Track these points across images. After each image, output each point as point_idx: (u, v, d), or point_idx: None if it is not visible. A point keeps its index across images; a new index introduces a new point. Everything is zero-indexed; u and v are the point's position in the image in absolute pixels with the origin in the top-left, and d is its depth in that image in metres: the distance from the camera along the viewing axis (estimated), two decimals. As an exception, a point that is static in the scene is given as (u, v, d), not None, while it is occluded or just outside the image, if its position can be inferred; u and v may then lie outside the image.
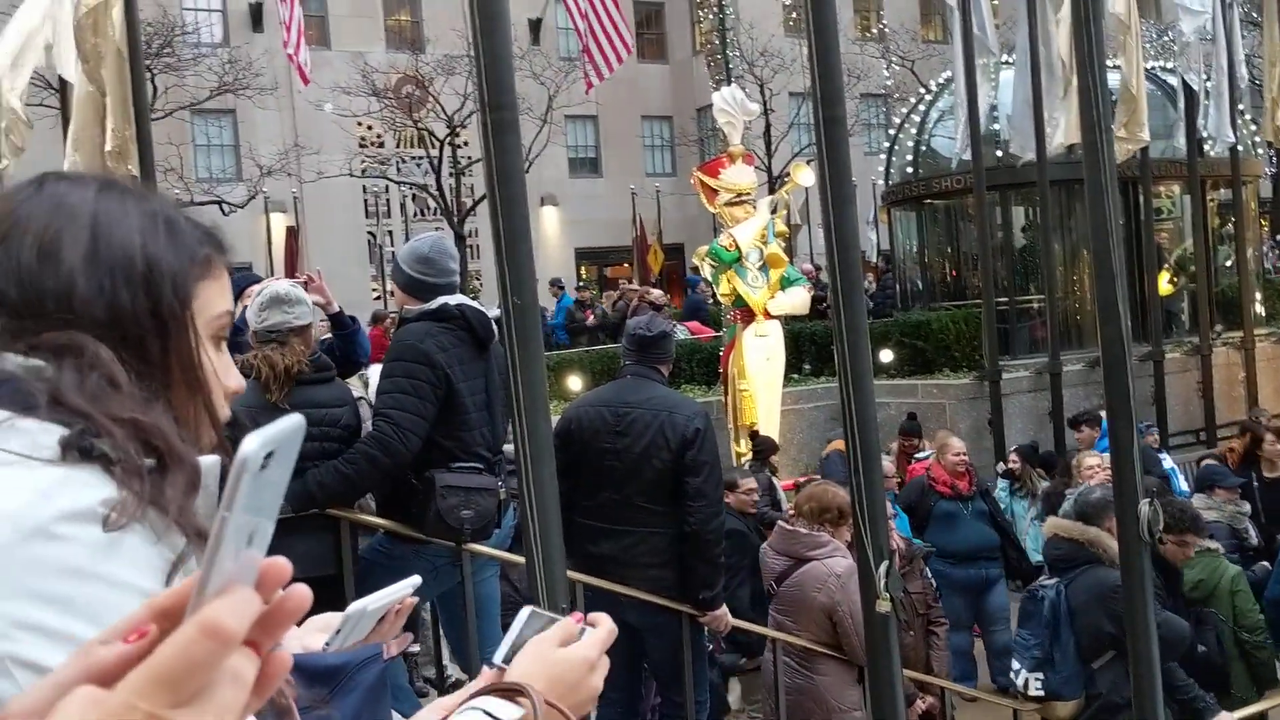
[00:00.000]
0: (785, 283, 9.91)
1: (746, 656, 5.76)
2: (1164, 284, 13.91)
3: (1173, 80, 13.67)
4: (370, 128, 26.02)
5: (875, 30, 29.95)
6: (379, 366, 4.75)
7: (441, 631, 5.05)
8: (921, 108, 15.43)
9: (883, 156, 16.81)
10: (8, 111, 6.33)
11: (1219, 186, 14.69)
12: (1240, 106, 13.04)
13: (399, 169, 26.20)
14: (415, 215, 26.81)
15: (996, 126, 13.53)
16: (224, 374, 1.07)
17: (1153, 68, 14.31)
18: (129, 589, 0.82)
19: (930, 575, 6.58)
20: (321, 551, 4.30)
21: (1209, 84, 12.90)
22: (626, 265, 28.03)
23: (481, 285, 23.90)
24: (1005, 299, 12.72)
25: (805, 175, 9.88)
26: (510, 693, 1.14)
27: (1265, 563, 7.00)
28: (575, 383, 12.26)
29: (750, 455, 9.67)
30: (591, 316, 18.19)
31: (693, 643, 4.81)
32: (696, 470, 4.64)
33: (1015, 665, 5.35)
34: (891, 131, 16.98)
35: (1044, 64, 11.12)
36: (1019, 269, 13.91)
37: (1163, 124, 13.75)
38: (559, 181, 29.26)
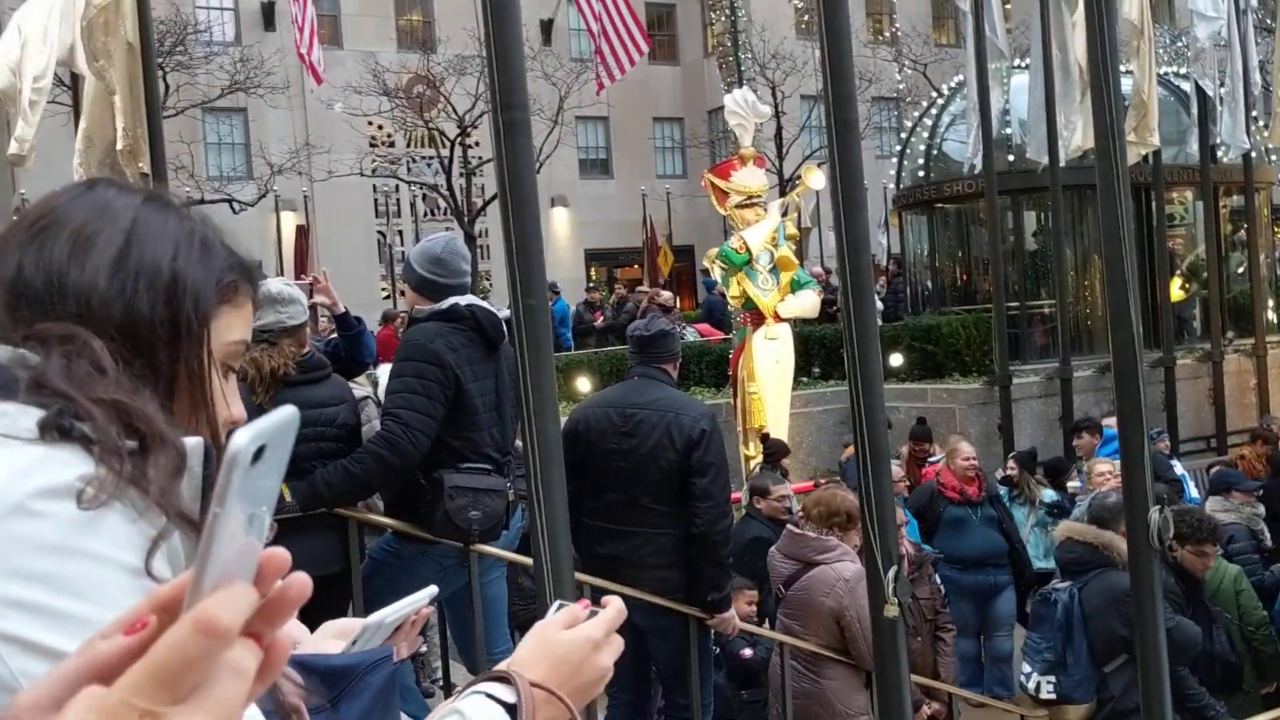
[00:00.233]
0: (795, 286, 9.90)
1: (746, 688, 5.61)
2: (1176, 290, 13.87)
3: (1186, 86, 13.63)
4: (381, 127, 26.06)
5: (888, 33, 29.90)
6: (389, 366, 4.75)
7: (448, 632, 5.05)
8: (934, 111, 15.40)
9: (894, 160, 16.78)
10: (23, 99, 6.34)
11: (1231, 193, 14.64)
12: (1254, 113, 12.98)
13: (409, 169, 26.23)
14: (425, 215, 26.83)
15: (1009, 130, 13.51)
16: (229, 400, 1.08)
17: (1166, 73, 14.27)
18: (110, 563, 0.82)
19: (939, 581, 6.55)
20: (328, 550, 4.30)
21: (1223, 90, 12.86)
22: (636, 267, 28.03)
23: (491, 285, 23.91)
24: (1016, 304, 12.69)
25: (816, 178, 9.87)
26: (506, 679, 1.14)
27: None
28: (584, 384, 12.26)
29: (759, 458, 9.67)
30: (601, 318, 18.20)
31: (698, 645, 4.80)
32: (703, 471, 4.64)
33: (1026, 668, 5.34)
34: (903, 135, 16.96)
35: (1060, 67, 11.09)
36: (1030, 274, 13.88)
37: (1176, 130, 13.71)
38: (570, 182, 29.28)
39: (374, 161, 25.87)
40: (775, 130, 23.51)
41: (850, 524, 4.97)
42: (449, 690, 5.22)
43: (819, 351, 13.90)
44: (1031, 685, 5.21)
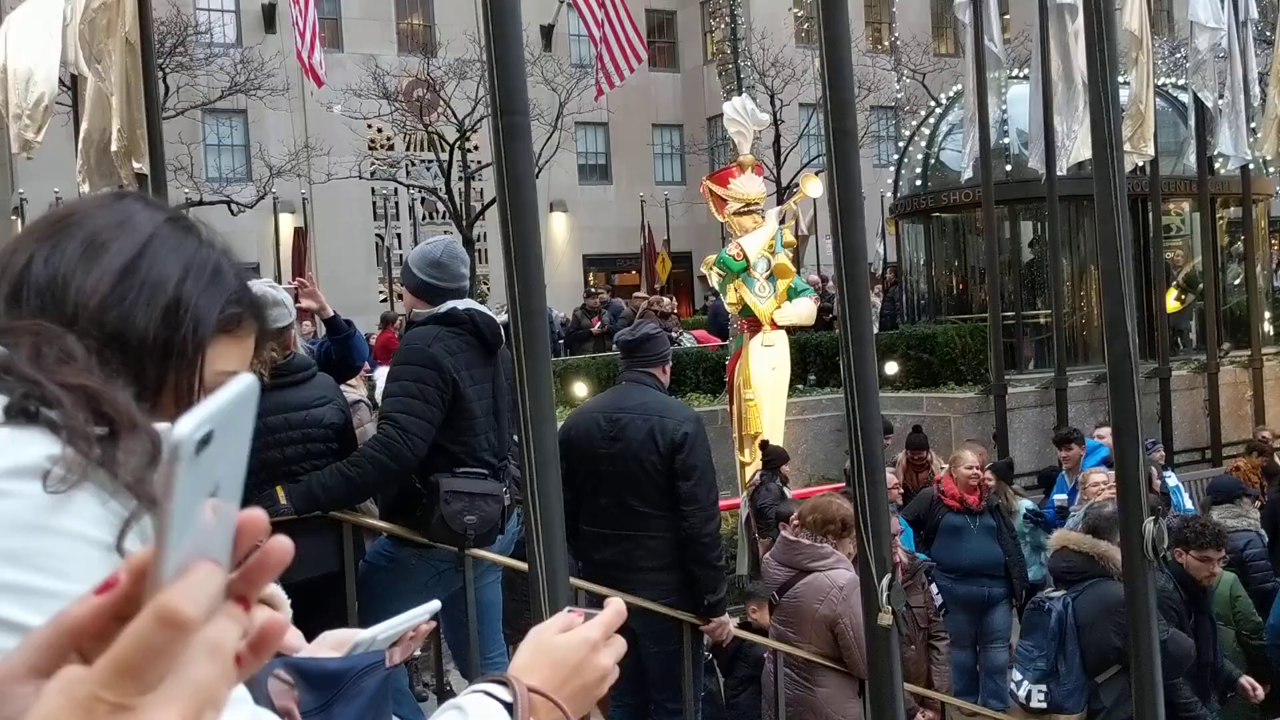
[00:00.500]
0: (792, 293, 9.90)
1: None
2: (1172, 301, 13.89)
3: (1184, 98, 13.66)
4: (381, 130, 26.09)
5: (887, 42, 29.97)
6: (386, 369, 4.74)
7: (442, 636, 5.05)
8: (931, 121, 15.43)
9: (892, 169, 16.81)
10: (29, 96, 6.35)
11: (1229, 205, 14.67)
12: (1253, 124, 13.02)
13: (409, 172, 26.25)
14: (424, 219, 26.85)
15: (1007, 140, 13.53)
16: None
17: (1164, 85, 14.30)
18: (82, 539, 0.82)
19: (935, 590, 6.54)
20: (325, 551, 4.29)
21: (1222, 102, 12.89)
22: (635, 272, 28.06)
23: (489, 290, 23.92)
24: (1012, 313, 12.71)
25: (814, 186, 9.88)
26: (505, 682, 1.15)
27: None
28: (581, 389, 12.26)
29: (755, 464, 9.67)
30: (599, 323, 18.21)
31: (691, 650, 4.79)
32: (687, 475, 4.65)
33: (1017, 676, 5.33)
34: (901, 144, 16.99)
35: (1062, 77, 11.10)
36: (1026, 283, 13.90)
37: (1173, 141, 13.74)
38: (569, 188, 29.31)
39: (373, 164, 25.90)
40: (774, 138, 23.54)
41: (845, 531, 4.97)
42: (442, 694, 5.22)
43: (815, 359, 13.92)
44: (1022, 694, 5.20)
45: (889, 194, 17.56)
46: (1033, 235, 14.45)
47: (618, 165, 31.36)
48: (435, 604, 1.54)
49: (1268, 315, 14.64)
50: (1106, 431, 8.45)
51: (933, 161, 14.90)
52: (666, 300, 18.47)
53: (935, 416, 11.80)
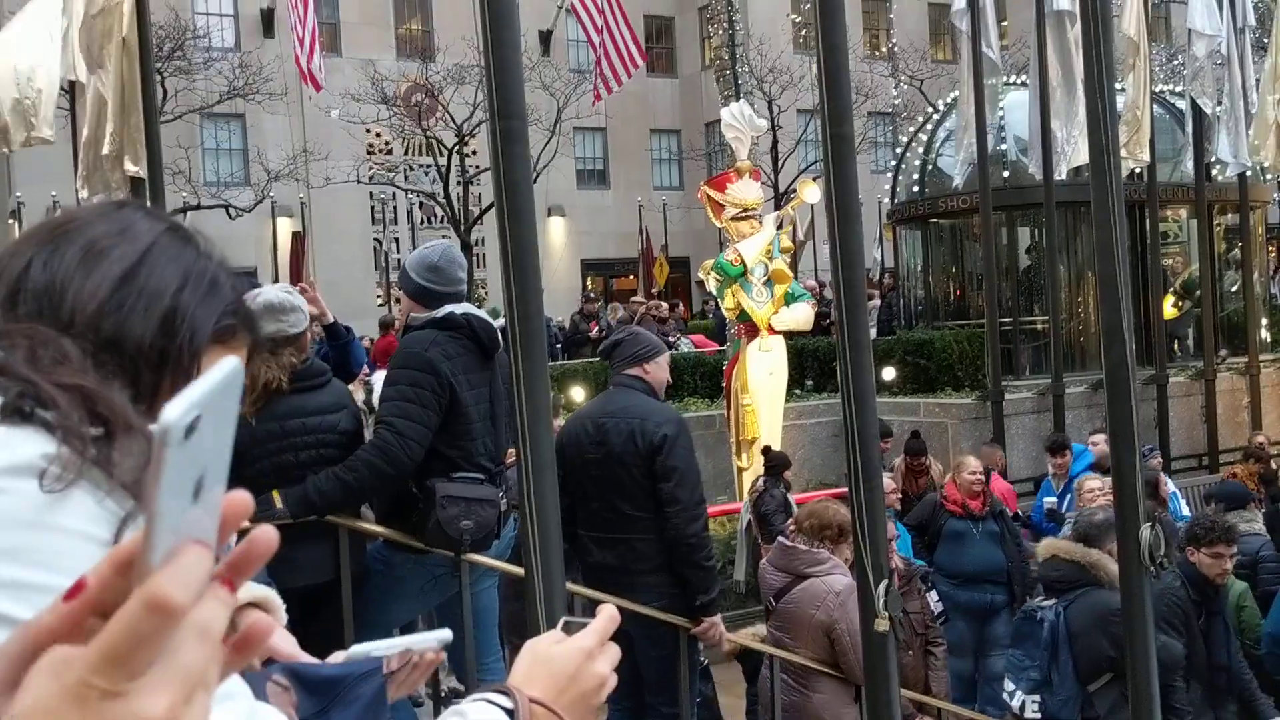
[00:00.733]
0: (790, 298, 9.92)
1: None
2: (1169, 308, 13.90)
3: (1181, 104, 13.68)
4: (379, 135, 26.09)
5: (885, 49, 30.02)
6: (383, 374, 4.74)
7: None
8: (929, 127, 15.45)
9: (889, 175, 16.83)
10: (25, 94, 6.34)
11: (1226, 211, 14.69)
12: (1249, 132, 13.04)
13: (407, 176, 26.26)
14: (422, 223, 26.86)
15: (1004, 146, 13.55)
16: None
17: (1161, 91, 14.33)
18: (80, 535, 0.82)
19: (935, 598, 6.53)
20: (321, 559, 4.28)
21: (1220, 109, 12.91)
22: (632, 277, 28.06)
23: (486, 294, 23.92)
24: (1009, 319, 12.72)
25: (811, 192, 9.89)
26: (506, 691, 1.16)
27: None
28: (578, 394, 12.26)
29: (751, 468, 9.67)
30: (596, 328, 18.22)
31: (687, 653, 4.78)
32: (666, 476, 4.65)
33: (1010, 686, 5.32)
34: (898, 150, 17.01)
35: (1062, 83, 11.12)
36: (1023, 290, 13.91)
37: (1170, 148, 13.76)
38: (567, 192, 29.33)
39: (371, 169, 25.90)
40: (771, 143, 23.57)
41: (842, 537, 4.97)
42: (438, 699, 5.21)
43: (812, 364, 13.92)
44: (1016, 704, 5.19)
45: (886, 200, 17.57)
46: (1030, 241, 14.46)
47: (616, 170, 31.39)
48: (446, 633, 1.53)
49: (1265, 322, 14.66)
50: (1101, 438, 8.48)
51: (930, 168, 14.92)
52: (665, 306, 18.47)
53: (932, 422, 11.80)
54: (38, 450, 0.83)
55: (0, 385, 0.87)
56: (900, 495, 8.25)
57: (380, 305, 24.14)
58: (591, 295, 21.54)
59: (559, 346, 17.17)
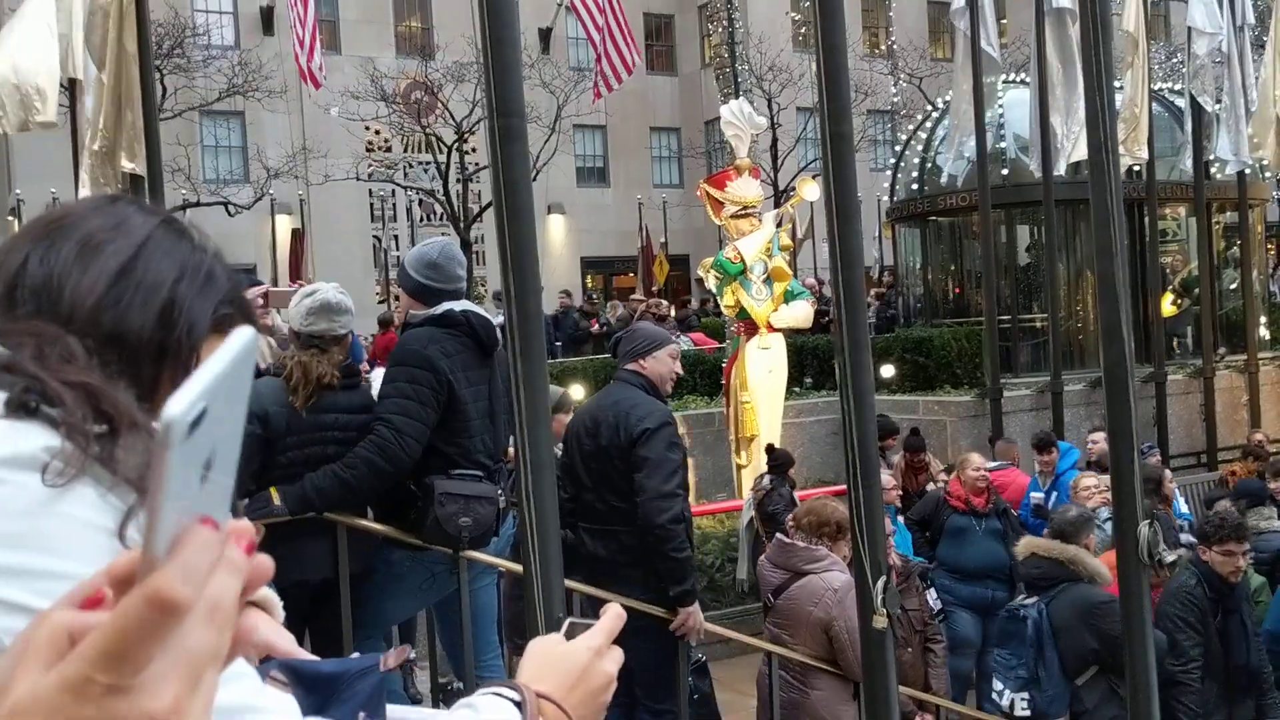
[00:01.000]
0: (789, 296, 9.91)
1: None
2: (1168, 306, 13.91)
3: (1180, 102, 13.68)
4: (378, 132, 26.07)
5: (884, 47, 30.01)
6: (381, 371, 4.75)
7: (437, 638, 5.05)
8: (928, 125, 15.45)
9: (888, 173, 16.82)
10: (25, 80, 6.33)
11: (1225, 209, 14.69)
12: (1250, 129, 13.04)
13: (406, 174, 26.24)
14: (421, 221, 26.83)
15: (1003, 144, 13.55)
16: None
17: (1160, 89, 14.32)
18: (84, 523, 0.82)
19: (935, 595, 6.53)
20: (320, 556, 4.28)
21: (1220, 107, 12.91)
22: (632, 275, 28.05)
23: (486, 291, 23.90)
24: (1008, 317, 12.72)
25: (811, 190, 9.89)
26: (513, 687, 1.17)
27: None
28: (577, 391, 12.26)
29: (750, 466, 9.68)
30: (596, 325, 18.25)
31: (672, 648, 4.75)
32: (638, 466, 4.66)
33: (998, 686, 5.33)
34: (897, 148, 17.01)
35: (1063, 79, 11.11)
36: (1022, 287, 13.91)
37: (1170, 146, 13.76)
38: (567, 190, 29.32)
39: (371, 167, 25.88)
40: (771, 141, 23.55)
41: (840, 534, 4.98)
42: (436, 696, 5.22)
43: (812, 362, 13.92)
44: (1005, 703, 5.21)
45: (885, 198, 17.57)
46: (1029, 239, 14.46)
47: (615, 168, 31.37)
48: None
49: (1263, 320, 14.66)
50: (1101, 436, 8.49)
51: (929, 165, 14.91)
52: (665, 303, 18.47)
53: (931, 420, 11.80)
54: (40, 443, 0.84)
55: (6, 381, 0.88)
56: (901, 492, 8.26)
57: (379, 302, 24.12)
58: (590, 295, 21.49)
59: (559, 345, 17.16)
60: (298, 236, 22.64)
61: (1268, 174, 14.70)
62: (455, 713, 1.13)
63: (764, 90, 22.94)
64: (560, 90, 22.89)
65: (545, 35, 27.84)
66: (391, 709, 1.49)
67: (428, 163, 24.69)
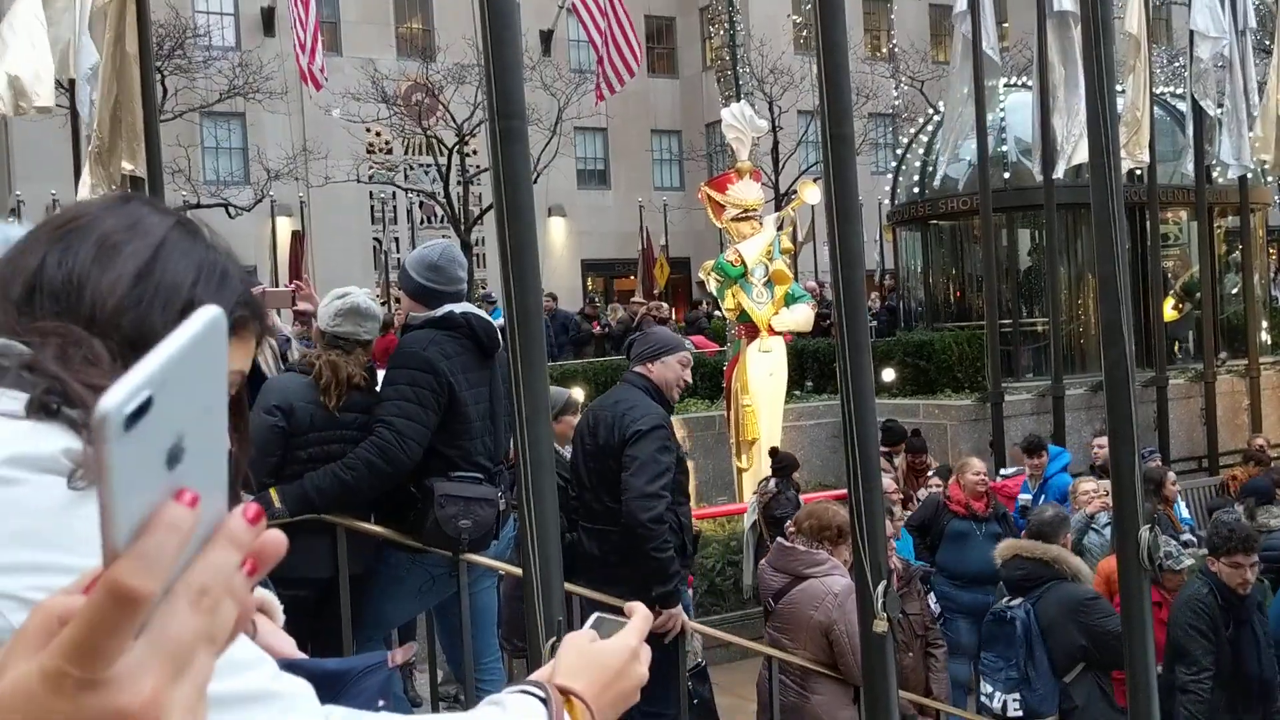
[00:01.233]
0: (790, 299, 9.91)
1: None
2: (1169, 310, 13.90)
3: (1182, 106, 13.67)
4: (379, 134, 26.07)
5: (885, 50, 30.01)
6: (382, 373, 4.75)
7: (437, 641, 5.04)
8: (929, 128, 15.44)
9: (890, 176, 16.82)
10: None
11: (1226, 214, 14.68)
12: (1252, 133, 13.04)
13: (407, 176, 26.23)
14: (422, 222, 26.84)
15: (1005, 148, 13.54)
16: None
17: (1162, 94, 14.32)
18: None
19: (934, 599, 6.52)
20: (320, 555, 4.27)
21: (1221, 111, 12.91)
22: (632, 277, 28.06)
23: (495, 294, 23.88)
24: (1009, 321, 12.71)
25: (811, 193, 9.89)
26: (539, 685, 1.17)
27: None
28: (578, 394, 12.24)
29: (751, 469, 9.67)
30: (598, 327, 18.26)
31: (670, 652, 4.71)
32: (627, 466, 4.70)
33: (987, 688, 5.35)
34: (899, 151, 17.00)
35: (1064, 81, 11.11)
36: (1023, 291, 13.91)
37: (1171, 150, 13.75)
38: (568, 192, 29.32)
39: (371, 168, 25.88)
40: (772, 144, 23.55)
41: (841, 538, 4.96)
42: (436, 698, 5.21)
43: (812, 365, 13.91)
44: (996, 705, 5.22)
45: (886, 201, 17.56)
46: (1031, 243, 14.45)
47: (616, 170, 31.37)
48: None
49: (1265, 324, 14.65)
50: (1105, 441, 8.48)
51: (930, 169, 14.91)
52: (665, 305, 18.47)
53: (932, 424, 11.79)
54: (60, 445, 0.84)
55: (29, 381, 0.88)
56: (902, 496, 8.25)
57: (380, 305, 24.10)
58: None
59: (560, 344, 17.16)
60: (298, 238, 22.64)
61: (1269, 178, 14.69)
62: (482, 709, 1.13)
63: (765, 93, 22.95)
64: (561, 92, 22.89)
65: (546, 37, 27.85)
66: None
67: (428, 165, 24.68)
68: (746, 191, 10.01)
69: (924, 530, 7.60)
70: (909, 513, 7.97)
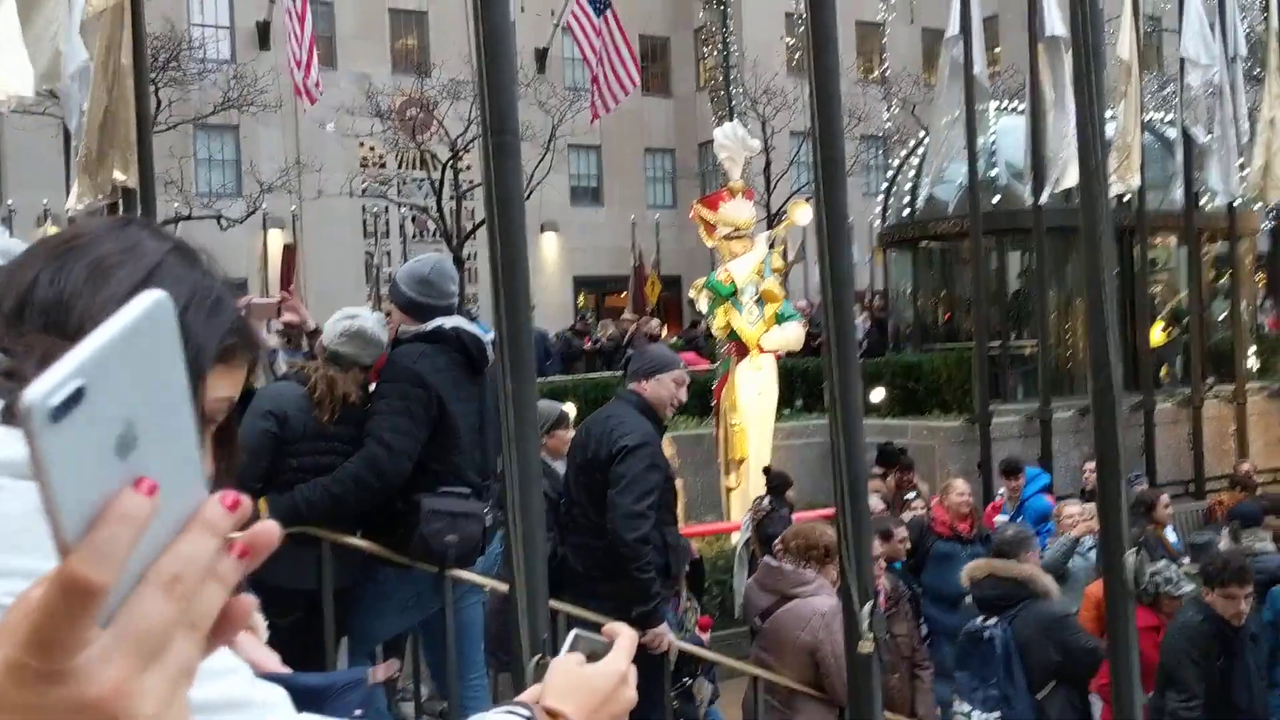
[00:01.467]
0: (780, 318, 9.93)
1: None
2: (1158, 334, 13.96)
3: (1171, 132, 13.76)
4: (373, 148, 26.10)
5: (877, 73, 30.16)
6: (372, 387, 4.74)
7: (422, 656, 5.02)
8: (920, 151, 15.51)
9: (880, 198, 16.88)
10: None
11: (1215, 239, 14.77)
12: (1241, 160, 13.13)
13: (400, 190, 26.25)
14: (414, 237, 26.84)
15: (995, 172, 13.61)
16: (205, 452, 1.08)
17: (1151, 120, 14.41)
18: None
19: (921, 620, 6.51)
20: (307, 567, 4.26)
21: (1212, 138, 13.00)
22: (623, 294, 28.08)
23: (478, 308, 23.89)
24: (998, 343, 12.75)
25: (802, 213, 9.92)
26: (524, 705, 1.17)
27: None
28: (569, 410, 12.22)
29: (740, 488, 9.67)
30: (589, 342, 18.26)
31: (655, 670, 4.70)
32: (614, 483, 4.68)
33: (965, 708, 5.33)
34: (890, 174, 17.07)
35: (1055, 105, 11.18)
36: (1012, 314, 13.95)
37: (1161, 176, 13.84)
38: (561, 209, 29.37)
39: (364, 182, 25.89)
40: (764, 164, 23.63)
41: (828, 558, 4.96)
42: (419, 714, 5.18)
43: (801, 384, 13.92)
44: None
45: (877, 223, 17.62)
46: (1020, 266, 14.50)
47: (609, 188, 31.45)
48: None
49: (1252, 350, 14.72)
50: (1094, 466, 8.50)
51: (920, 191, 14.97)
52: (654, 322, 18.48)
53: (920, 445, 11.80)
54: None
55: (8, 388, 0.88)
56: (889, 516, 8.24)
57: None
58: (583, 314, 21.51)
59: (548, 364, 17.13)
60: (289, 251, 22.63)
61: (1258, 205, 14.79)
62: None
63: (758, 113, 23.05)
64: (555, 110, 22.95)
65: (541, 56, 27.93)
66: None
67: (422, 179, 24.72)
68: (738, 211, 10.04)
69: (909, 551, 7.58)
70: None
